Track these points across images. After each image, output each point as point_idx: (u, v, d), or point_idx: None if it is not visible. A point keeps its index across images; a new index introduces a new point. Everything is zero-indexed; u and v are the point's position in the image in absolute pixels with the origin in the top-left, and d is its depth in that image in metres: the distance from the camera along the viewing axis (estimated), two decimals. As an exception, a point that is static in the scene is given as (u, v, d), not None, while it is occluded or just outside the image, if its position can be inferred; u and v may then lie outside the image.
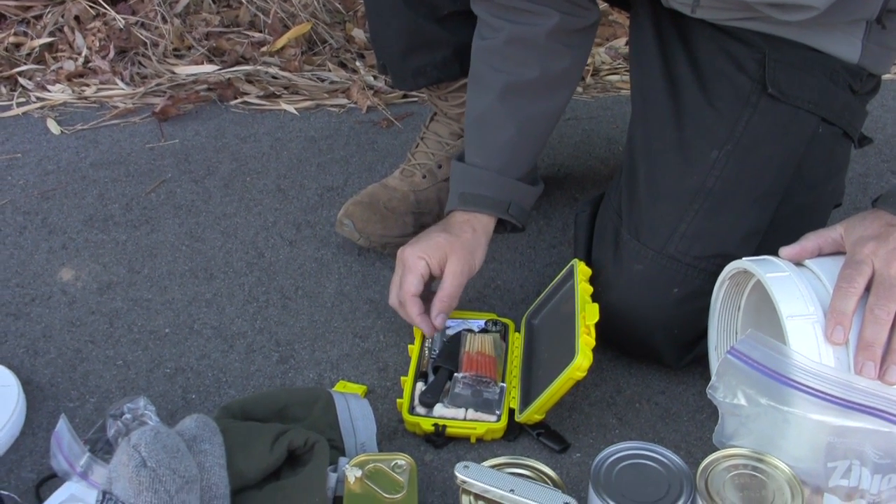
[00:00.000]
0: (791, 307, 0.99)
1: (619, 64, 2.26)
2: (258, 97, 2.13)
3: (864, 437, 0.90)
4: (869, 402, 0.91)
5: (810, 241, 1.08)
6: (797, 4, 1.19)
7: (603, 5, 2.16)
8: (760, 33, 1.30)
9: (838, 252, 1.06)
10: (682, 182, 1.27)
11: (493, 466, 0.97)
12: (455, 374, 1.25)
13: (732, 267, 1.12)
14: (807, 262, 1.06)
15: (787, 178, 1.28)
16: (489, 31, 1.35)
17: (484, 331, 1.35)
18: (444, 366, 1.27)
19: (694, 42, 1.34)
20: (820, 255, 1.07)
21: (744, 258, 1.10)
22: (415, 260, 1.28)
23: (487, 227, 1.36)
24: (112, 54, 2.26)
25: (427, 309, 1.30)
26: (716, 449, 0.98)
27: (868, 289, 0.98)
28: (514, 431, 1.22)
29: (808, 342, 0.96)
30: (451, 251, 1.29)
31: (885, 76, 2.12)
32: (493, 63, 1.35)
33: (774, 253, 1.09)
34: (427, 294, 1.31)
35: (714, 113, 1.28)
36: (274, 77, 2.20)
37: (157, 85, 2.16)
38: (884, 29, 1.29)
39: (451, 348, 1.30)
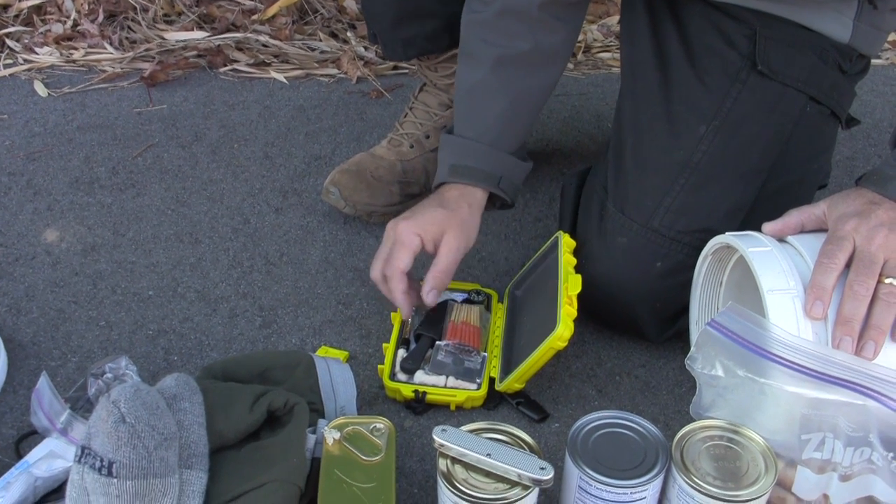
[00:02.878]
0: (772, 281, 0.99)
1: (611, 41, 2.26)
2: (248, 65, 2.13)
3: (838, 409, 0.91)
4: (844, 375, 0.92)
5: (793, 217, 1.08)
6: None
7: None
8: (752, 10, 1.30)
9: (821, 229, 1.06)
10: (668, 156, 1.27)
11: (470, 431, 0.97)
12: (437, 342, 1.25)
13: (715, 241, 1.13)
14: (789, 237, 1.07)
15: (773, 156, 1.29)
16: (479, 4, 1.33)
17: (468, 301, 1.35)
18: (426, 334, 1.27)
19: (685, 17, 1.34)
20: (802, 231, 1.08)
21: (727, 233, 1.10)
22: (410, 235, 1.24)
23: (481, 203, 1.32)
24: (101, 18, 2.25)
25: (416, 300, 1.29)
26: (693, 421, 0.99)
27: (849, 265, 0.99)
28: (494, 400, 1.22)
29: (787, 316, 0.97)
30: (449, 226, 1.26)
31: (877, 62, 2.14)
32: (485, 36, 1.32)
33: (758, 230, 1.09)
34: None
35: (703, 88, 1.29)
36: (264, 45, 2.19)
37: (147, 50, 2.15)
38: (875, 9, 1.29)
39: (434, 317, 1.30)
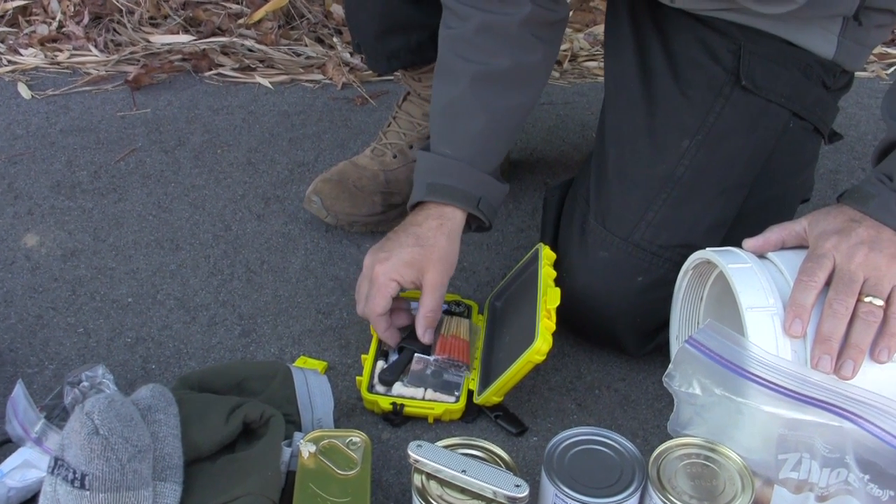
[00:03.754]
0: (751, 299, 0.99)
1: (597, 50, 2.26)
2: (233, 69, 2.12)
3: (815, 430, 0.91)
4: (821, 395, 0.92)
5: (774, 233, 1.08)
6: None
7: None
8: (737, 24, 1.29)
9: (801, 245, 1.06)
10: (651, 170, 1.27)
11: (446, 446, 0.97)
12: (427, 357, 1.24)
13: (696, 257, 1.12)
14: (769, 254, 1.06)
15: (755, 171, 1.29)
16: (456, 20, 1.30)
17: (448, 312, 1.34)
18: (408, 346, 1.26)
19: (669, 31, 1.33)
20: (783, 247, 1.07)
21: (707, 248, 1.10)
22: (385, 280, 1.22)
23: (459, 228, 1.27)
24: (86, 20, 2.24)
25: (405, 321, 1.28)
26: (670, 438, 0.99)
27: (829, 283, 0.98)
28: (473, 413, 1.22)
29: (766, 334, 0.97)
30: (427, 265, 1.23)
31: (862, 74, 2.15)
32: (463, 52, 1.30)
33: (740, 245, 1.09)
34: (395, 304, 1.27)
35: (686, 102, 1.28)
36: (250, 50, 2.18)
37: (132, 53, 2.15)
38: (860, 26, 1.29)
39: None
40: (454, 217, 1.27)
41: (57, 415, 1.09)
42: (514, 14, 1.27)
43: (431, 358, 1.24)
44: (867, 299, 0.97)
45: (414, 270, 1.22)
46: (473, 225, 1.32)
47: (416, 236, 1.25)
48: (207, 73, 2.10)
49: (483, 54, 1.28)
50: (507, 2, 1.27)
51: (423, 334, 1.24)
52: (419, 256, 1.23)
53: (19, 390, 1.08)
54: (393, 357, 1.27)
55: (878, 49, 2.26)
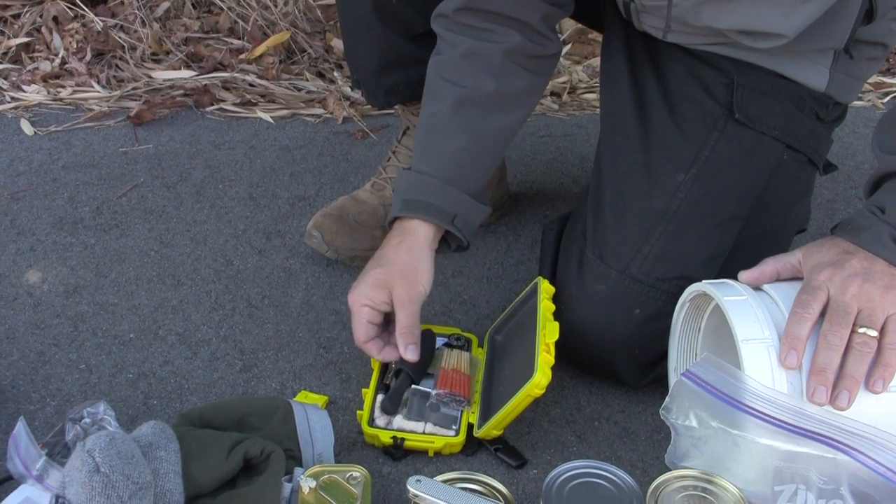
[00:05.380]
0: (747, 331, 1.00)
1: (596, 83, 2.27)
2: (234, 104, 2.14)
3: (810, 462, 0.91)
4: (816, 428, 0.92)
5: (769, 265, 1.09)
6: (767, 32, 1.20)
7: (580, 25, 2.18)
8: (730, 58, 1.31)
9: (796, 277, 1.07)
10: (647, 203, 1.28)
11: (445, 481, 0.98)
12: (430, 392, 1.25)
13: (692, 289, 1.13)
14: (765, 286, 1.07)
15: (750, 203, 1.30)
16: (446, 47, 1.33)
17: (448, 346, 1.35)
18: (403, 368, 1.25)
19: (664, 65, 1.35)
20: (778, 279, 1.08)
21: (703, 281, 1.11)
22: (357, 308, 1.25)
23: (424, 244, 1.28)
24: (89, 56, 2.26)
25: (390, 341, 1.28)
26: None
27: (823, 314, 0.99)
28: (473, 446, 1.22)
29: (762, 366, 0.97)
30: (392, 283, 1.24)
31: (858, 103, 2.16)
32: (448, 75, 1.32)
33: (736, 277, 1.10)
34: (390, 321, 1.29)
35: (681, 136, 1.30)
36: (251, 85, 2.20)
37: (134, 89, 2.17)
38: (851, 59, 1.30)
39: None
40: (417, 232, 1.28)
41: (58, 452, 1.10)
42: (500, 43, 1.30)
43: (433, 392, 1.25)
44: (861, 330, 0.97)
45: (381, 291, 1.24)
46: (453, 245, 1.33)
47: (379, 258, 1.28)
48: (209, 109, 2.12)
49: (468, 78, 1.31)
50: (496, 31, 1.30)
51: (404, 351, 1.24)
52: (383, 276, 1.25)
53: (21, 427, 1.09)
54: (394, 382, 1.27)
55: (874, 78, 2.27)
